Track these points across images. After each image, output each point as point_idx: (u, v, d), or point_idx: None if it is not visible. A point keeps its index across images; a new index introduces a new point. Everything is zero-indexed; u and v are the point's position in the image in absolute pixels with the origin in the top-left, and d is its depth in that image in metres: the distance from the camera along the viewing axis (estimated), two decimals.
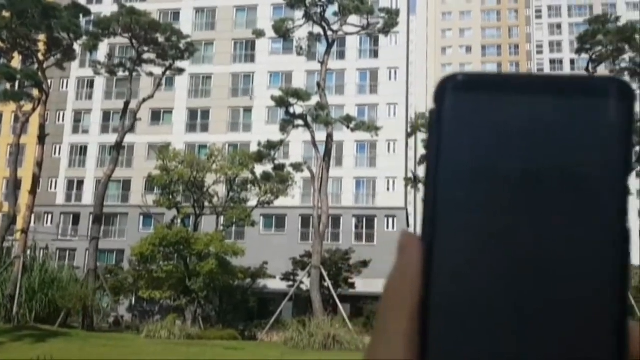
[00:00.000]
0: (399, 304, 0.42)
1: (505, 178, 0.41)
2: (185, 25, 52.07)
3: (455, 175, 0.42)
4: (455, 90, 0.42)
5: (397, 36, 50.31)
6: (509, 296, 0.40)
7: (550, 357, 0.39)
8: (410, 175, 43.47)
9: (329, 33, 34.31)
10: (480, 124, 0.42)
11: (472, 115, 0.42)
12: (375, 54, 53.87)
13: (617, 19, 35.04)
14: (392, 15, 34.72)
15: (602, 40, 33.24)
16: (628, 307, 0.39)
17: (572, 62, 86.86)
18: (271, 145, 34.64)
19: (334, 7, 34.19)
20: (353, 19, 34.63)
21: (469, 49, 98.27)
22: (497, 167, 0.41)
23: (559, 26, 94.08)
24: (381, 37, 40.05)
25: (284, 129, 33.31)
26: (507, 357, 0.39)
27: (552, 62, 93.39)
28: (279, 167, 36.22)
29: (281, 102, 32.88)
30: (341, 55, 52.09)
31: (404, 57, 54.11)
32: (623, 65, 33.57)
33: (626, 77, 33.32)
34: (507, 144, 0.41)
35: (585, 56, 35.70)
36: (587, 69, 36.00)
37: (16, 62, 35.63)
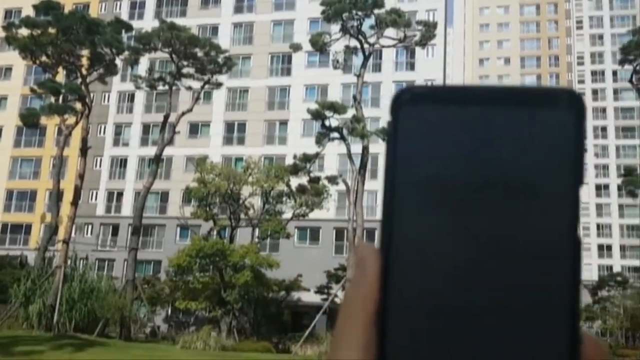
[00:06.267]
0: (356, 313, 0.42)
1: (459, 188, 0.42)
2: (224, 39, 52.84)
3: (410, 186, 0.43)
4: (410, 103, 0.44)
5: (433, 48, 49.98)
6: (464, 304, 0.41)
7: None
8: None
9: (365, 46, 34.31)
10: (434, 136, 0.43)
11: (426, 127, 0.43)
12: (411, 66, 53.59)
13: None
14: (429, 28, 34.51)
15: None
16: (581, 313, 0.41)
17: (615, 73, 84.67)
18: (307, 158, 34.72)
19: (371, 21, 34.18)
20: (390, 31, 34.55)
21: (507, 61, 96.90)
22: (451, 178, 0.42)
23: (600, 37, 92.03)
24: (418, 49, 39.81)
25: (319, 141, 33.36)
26: None
27: (593, 73, 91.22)
28: (314, 180, 36.24)
29: (317, 115, 32.96)
30: (377, 67, 52.00)
31: (441, 69, 53.67)
32: None
33: None
34: (460, 155, 0.42)
35: (629, 67, 34.81)
36: (630, 81, 35.22)
37: (60, 76, 36.74)
